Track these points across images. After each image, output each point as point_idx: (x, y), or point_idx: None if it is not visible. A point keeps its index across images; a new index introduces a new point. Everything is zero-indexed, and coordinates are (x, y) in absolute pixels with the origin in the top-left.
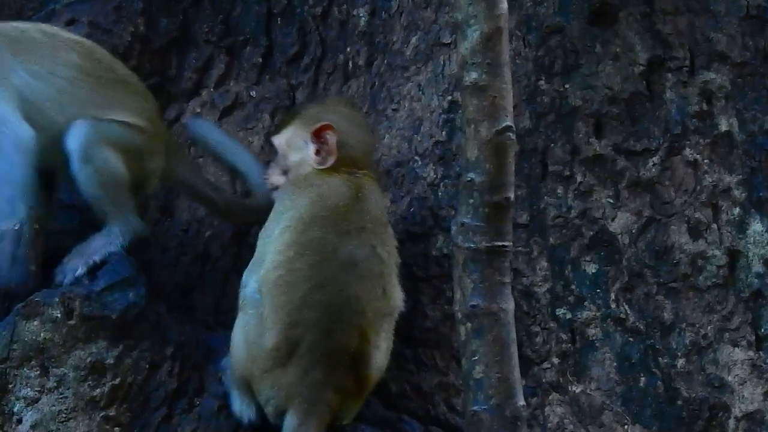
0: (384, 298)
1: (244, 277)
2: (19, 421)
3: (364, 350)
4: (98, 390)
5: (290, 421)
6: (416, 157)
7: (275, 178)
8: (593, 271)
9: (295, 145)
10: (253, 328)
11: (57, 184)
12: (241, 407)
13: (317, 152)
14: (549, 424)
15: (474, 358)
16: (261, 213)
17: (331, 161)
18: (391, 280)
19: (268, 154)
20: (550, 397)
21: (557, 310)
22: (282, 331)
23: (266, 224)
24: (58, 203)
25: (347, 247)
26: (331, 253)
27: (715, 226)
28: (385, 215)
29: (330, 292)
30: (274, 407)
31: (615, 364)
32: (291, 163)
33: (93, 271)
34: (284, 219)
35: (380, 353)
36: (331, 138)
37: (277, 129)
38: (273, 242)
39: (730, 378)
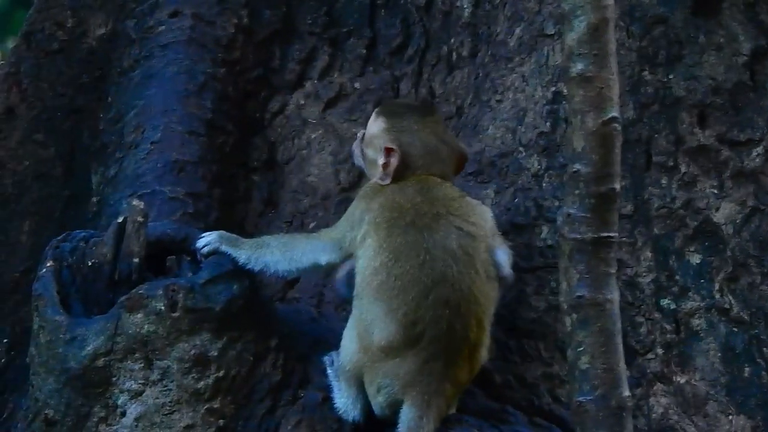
0: (488, 279)
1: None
2: (123, 414)
3: (480, 338)
4: (202, 382)
5: (409, 413)
6: (520, 148)
7: (356, 152)
8: (697, 261)
9: (373, 142)
10: (366, 325)
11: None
12: (347, 404)
13: (384, 166)
14: (653, 415)
15: (579, 349)
16: None
17: (387, 181)
18: (490, 251)
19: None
20: (654, 388)
21: (661, 300)
22: (400, 330)
23: (345, 219)
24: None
25: (437, 240)
26: (426, 252)
27: None
28: (457, 191)
29: (443, 288)
30: (387, 396)
31: (719, 354)
32: (367, 154)
33: (197, 264)
34: (363, 222)
35: (488, 341)
36: (394, 161)
37: (377, 112)
38: (358, 243)
39: None
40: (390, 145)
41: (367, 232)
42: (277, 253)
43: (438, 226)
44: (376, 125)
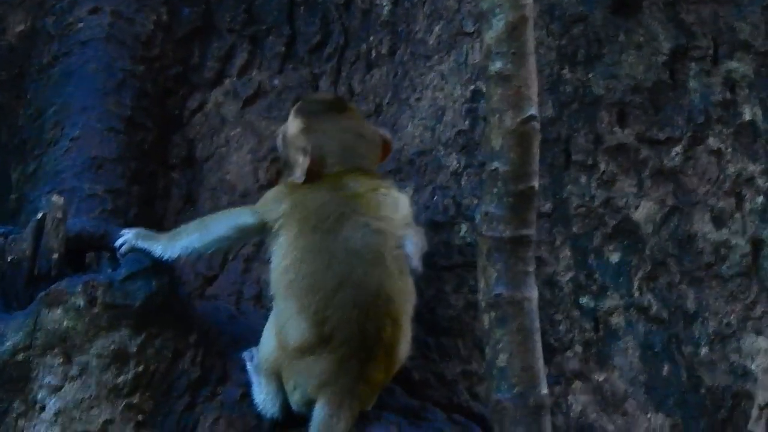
0: (401, 275)
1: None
2: (42, 409)
3: (396, 337)
4: (121, 378)
5: (321, 411)
6: (439, 147)
7: (279, 145)
8: (616, 260)
9: (293, 142)
10: (282, 323)
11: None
12: (266, 400)
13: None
14: (572, 413)
15: (498, 347)
16: None
17: (301, 180)
18: (399, 251)
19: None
20: (573, 386)
21: (580, 298)
22: (311, 329)
23: (260, 202)
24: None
25: (344, 239)
26: (330, 255)
27: (738, 215)
28: (371, 183)
29: (351, 289)
30: (302, 395)
31: (638, 352)
32: (289, 153)
33: (116, 259)
34: (277, 222)
35: (406, 339)
36: (305, 161)
37: (296, 109)
38: (273, 242)
39: (753, 366)
40: (304, 146)
41: (282, 225)
42: (193, 234)
43: (341, 228)
44: (293, 125)
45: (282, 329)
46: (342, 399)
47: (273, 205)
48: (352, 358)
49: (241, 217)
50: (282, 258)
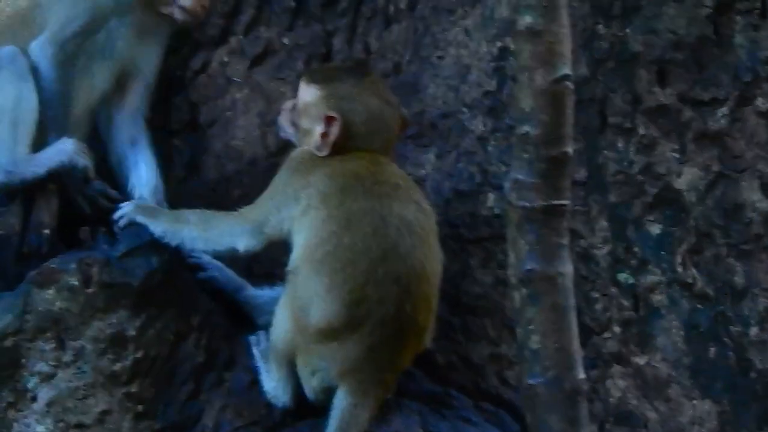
0: (438, 258)
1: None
2: (34, 399)
3: (428, 322)
4: (119, 364)
5: (344, 400)
6: (464, 109)
7: (285, 125)
8: (657, 231)
9: (308, 110)
10: (303, 303)
11: None
12: (276, 388)
13: (323, 135)
14: (611, 399)
15: (530, 327)
16: None
17: (325, 152)
18: (437, 238)
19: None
20: (611, 370)
21: (619, 274)
22: (342, 311)
23: (272, 198)
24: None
25: (393, 209)
26: (380, 219)
27: None
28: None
29: (395, 262)
30: (322, 381)
31: (682, 333)
32: (301, 124)
33: (113, 234)
34: (302, 197)
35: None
36: (335, 131)
37: (307, 78)
38: (296, 220)
39: None
40: (331, 113)
41: (309, 206)
42: (195, 230)
43: (397, 195)
44: (309, 92)
45: (302, 310)
46: (368, 387)
47: (291, 203)
48: (383, 344)
49: (245, 238)
50: (315, 233)
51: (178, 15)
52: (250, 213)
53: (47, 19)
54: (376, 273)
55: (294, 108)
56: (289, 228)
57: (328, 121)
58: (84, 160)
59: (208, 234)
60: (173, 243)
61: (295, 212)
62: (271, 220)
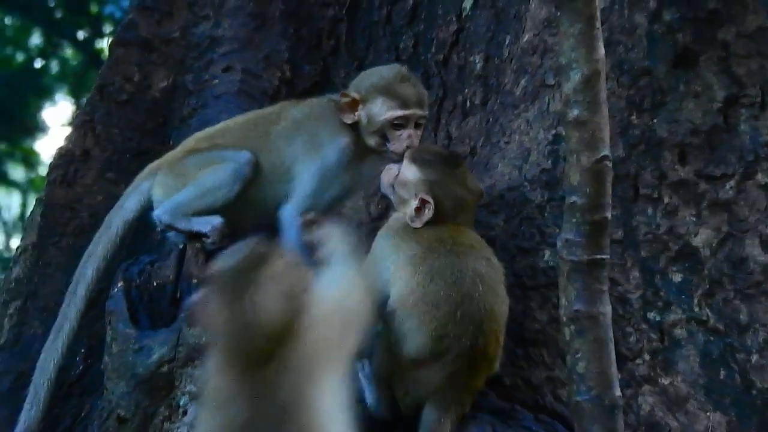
0: (505, 302)
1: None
2: (185, 413)
3: (497, 352)
4: None
5: (430, 415)
6: (525, 183)
7: (386, 185)
8: (679, 279)
9: (407, 185)
10: (398, 338)
11: None
12: (377, 404)
13: (417, 211)
14: (642, 412)
15: (577, 355)
16: None
17: (418, 225)
18: (503, 286)
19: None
20: (642, 389)
21: (648, 313)
22: (429, 344)
23: (371, 261)
24: None
25: (468, 263)
26: (458, 273)
27: None
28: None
29: (470, 305)
30: (413, 400)
31: (698, 359)
32: (400, 193)
33: None
34: (398, 259)
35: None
36: (428, 213)
37: (410, 157)
38: (392, 274)
39: None
40: (425, 197)
41: (403, 263)
42: None
43: (471, 253)
44: (410, 171)
45: (397, 344)
46: (449, 404)
47: (387, 260)
48: (460, 371)
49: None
50: (408, 281)
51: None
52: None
53: (285, 152)
54: (455, 315)
55: (396, 177)
56: (387, 279)
57: (422, 202)
58: (215, 238)
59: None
60: None
61: (391, 267)
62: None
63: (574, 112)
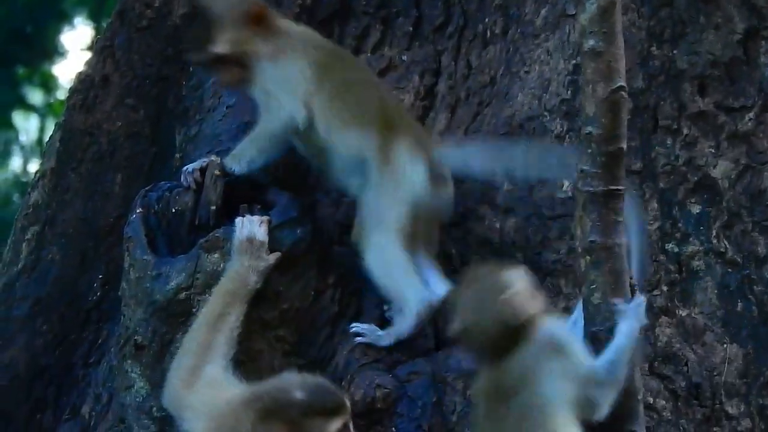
0: None
1: None
2: None
3: None
4: (270, 313)
5: None
6: (545, 113)
7: None
8: (697, 211)
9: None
10: None
11: None
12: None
13: None
14: (659, 343)
15: (592, 287)
16: None
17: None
18: None
19: (416, 110)
20: (660, 320)
21: (666, 245)
22: None
23: None
24: None
25: None
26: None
27: None
28: None
29: None
30: None
31: (716, 291)
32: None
33: (267, 211)
34: None
35: None
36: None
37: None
38: None
39: None
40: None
41: None
42: None
43: None
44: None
45: None
46: None
47: None
48: None
49: None
50: None
51: None
52: None
53: None
54: None
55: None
56: None
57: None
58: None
59: None
60: None
61: None
62: None
63: (590, 43)
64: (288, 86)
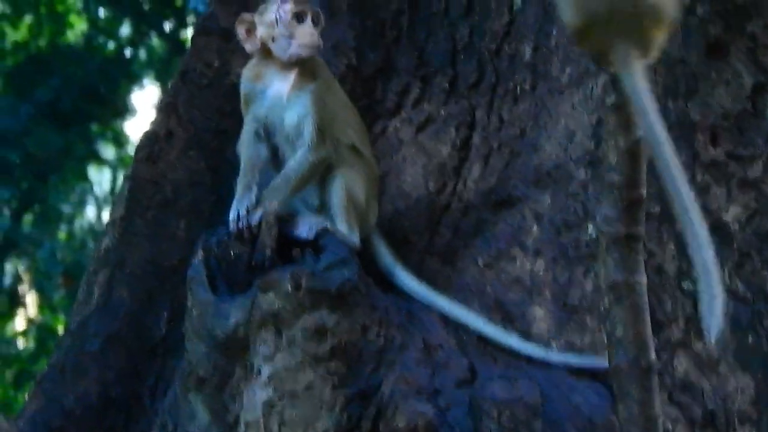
0: None
1: None
2: (258, 373)
3: None
4: (321, 348)
5: None
6: (571, 162)
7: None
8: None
9: None
10: None
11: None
12: None
13: None
14: (677, 374)
15: (615, 321)
16: None
17: None
18: None
19: (453, 160)
20: (677, 352)
21: (683, 282)
22: None
23: None
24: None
25: None
26: None
27: None
28: None
29: None
30: None
31: (729, 326)
32: None
33: (317, 254)
34: None
35: None
36: None
37: None
38: None
39: None
40: None
41: None
42: None
43: None
44: None
45: None
46: None
47: None
48: None
49: None
50: None
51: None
52: None
53: None
54: None
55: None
56: None
57: None
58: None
59: None
60: None
61: None
62: None
63: (612, 98)
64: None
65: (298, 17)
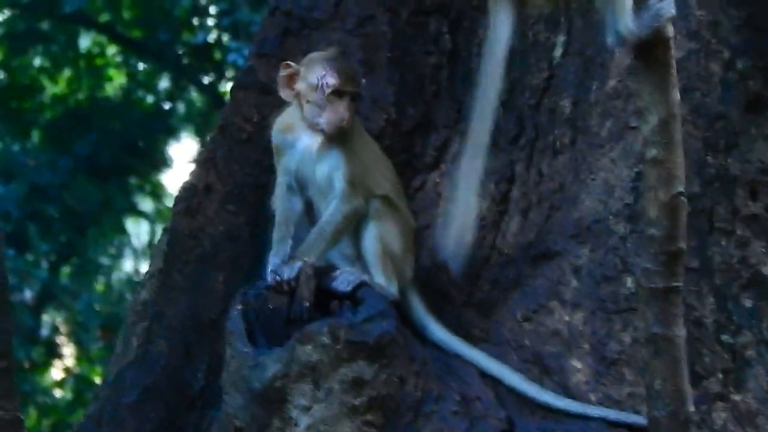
0: None
1: None
2: (296, 425)
3: None
4: (359, 400)
5: None
6: (610, 216)
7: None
8: (750, 305)
9: None
10: None
11: None
12: None
13: None
14: (715, 427)
15: (654, 373)
16: None
17: None
18: None
19: (493, 215)
20: (715, 405)
21: (721, 335)
22: None
23: None
24: None
25: None
26: None
27: None
28: None
29: None
30: None
31: (766, 378)
32: None
33: (355, 306)
34: None
35: None
36: None
37: None
38: None
39: None
40: None
41: None
42: None
43: None
44: None
45: None
46: None
47: None
48: None
49: None
50: None
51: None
52: None
53: None
54: None
55: None
56: None
57: None
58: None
59: None
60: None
61: None
62: None
63: (652, 152)
64: None
65: (338, 94)
